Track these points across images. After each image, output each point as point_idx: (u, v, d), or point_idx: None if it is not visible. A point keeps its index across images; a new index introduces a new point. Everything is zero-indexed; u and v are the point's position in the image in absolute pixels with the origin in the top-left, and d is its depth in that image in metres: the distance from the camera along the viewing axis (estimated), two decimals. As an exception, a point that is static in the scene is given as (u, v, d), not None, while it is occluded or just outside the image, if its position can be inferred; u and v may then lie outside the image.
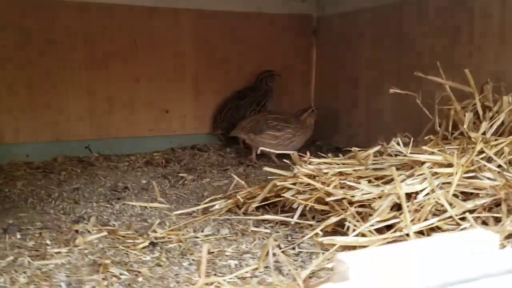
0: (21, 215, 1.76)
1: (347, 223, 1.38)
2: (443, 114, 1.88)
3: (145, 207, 1.88)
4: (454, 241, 0.76)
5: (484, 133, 1.63)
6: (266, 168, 1.78)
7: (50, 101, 2.57)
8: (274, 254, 1.27)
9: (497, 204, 1.41)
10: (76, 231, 1.58)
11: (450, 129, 1.77)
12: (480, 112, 1.73)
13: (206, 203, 1.82)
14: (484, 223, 1.39)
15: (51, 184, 2.17)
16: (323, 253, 1.34)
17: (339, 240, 1.33)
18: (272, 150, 2.33)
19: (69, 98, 2.62)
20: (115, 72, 2.70)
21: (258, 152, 2.14)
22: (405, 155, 1.59)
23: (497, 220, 1.39)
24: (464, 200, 1.43)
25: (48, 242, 1.49)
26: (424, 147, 1.52)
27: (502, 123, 1.64)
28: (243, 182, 1.84)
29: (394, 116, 2.56)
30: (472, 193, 1.44)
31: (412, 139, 1.87)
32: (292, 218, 1.64)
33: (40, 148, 2.56)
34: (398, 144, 1.58)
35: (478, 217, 1.39)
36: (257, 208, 1.79)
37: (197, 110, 2.94)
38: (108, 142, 2.74)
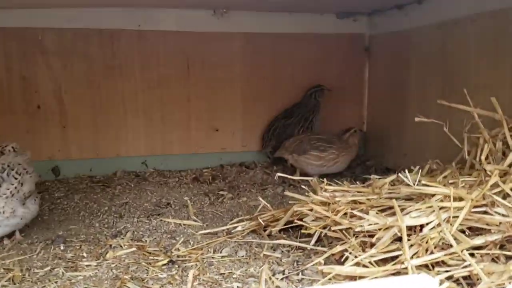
0: (70, 227, 1.99)
1: (346, 253, 1.41)
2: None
3: (179, 224, 2.03)
4: (385, 286, 0.79)
5: (510, 165, 1.57)
6: (286, 193, 1.85)
7: (111, 120, 2.84)
8: (269, 280, 1.34)
9: (511, 241, 1.36)
10: (110, 245, 1.76)
11: (478, 158, 1.72)
12: (510, 142, 1.66)
13: (233, 223, 1.94)
14: (494, 260, 1.35)
15: (105, 198, 2.40)
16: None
17: (337, 269, 1.37)
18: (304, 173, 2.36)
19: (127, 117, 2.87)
20: (169, 93, 2.91)
21: (275, 178, 2.20)
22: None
23: (509, 258, 1.35)
24: (476, 236, 1.40)
25: (84, 254, 1.69)
26: (425, 180, 1.50)
27: (531, 155, 1.57)
28: (268, 205, 1.93)
29: (439, 138, 2.49)
30: (484, 229, 1.40)
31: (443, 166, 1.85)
32: (310, 243, 1.70)
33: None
34: (406, 176, 1.57)
35: (488, 254, 1.35)
36: (283, 230, 1.86)
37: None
38: (162, 158, 2.95)
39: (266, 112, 3.08)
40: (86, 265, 1.58)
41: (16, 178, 1.80)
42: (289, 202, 1.88)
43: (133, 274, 1.53)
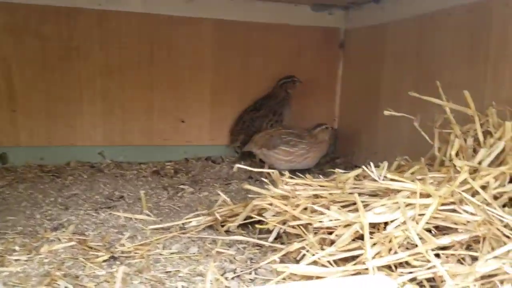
0: (8, 218, 1.81)
1: (303, 251, 1.28)
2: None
3: (130, 218, 1.87)
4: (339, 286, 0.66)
5: (480, 162, 1.47)
6: (246, 186, 1.72)
7: (66, 106, 2.65)
8: (216, 280, 1.20)
9: (478, 241, 1.26)
10: (47, 238, 1.59)
11: (448, 154, 1.61)
12: (481, 138, 1.56)
13: (188, 218, 1.79)
14: (460, 261, 1.24)
15: (52, 189, 2.23)
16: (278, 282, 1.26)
17: (292, 268, 1.24)
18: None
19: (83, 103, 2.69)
20: (130, 79, 2.74)
21: (235, 169, 2.07)
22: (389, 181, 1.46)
23: (475, 259, 1.24)
24: (443, 235, 1.29)
25: (16, 248, 1.51)
26: (392, 175, 1.39)
27: (503, 151, 1.47)
28: (228, 199, 1.79)
29: (411, 136, 2.40)
30: (451, 228, 1.29)
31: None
32: (268, 240, 1.57)
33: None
34: (371, 170, 1.46)
35: (454, 254, 1.24)
36: (243, 226, 1.73)
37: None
38: (123, 149, 2.78)
39: (236, 104, 2.94)
40: (15, 260, 1.41)
41: None
42: (250, 196, 1.75)
43: (67, 270, 1.37)
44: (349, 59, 3.08)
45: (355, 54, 3.02)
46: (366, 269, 1.22)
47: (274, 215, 1.57)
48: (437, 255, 1.24)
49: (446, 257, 1.21)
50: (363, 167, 1.54)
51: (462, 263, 1.22)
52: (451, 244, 1.25)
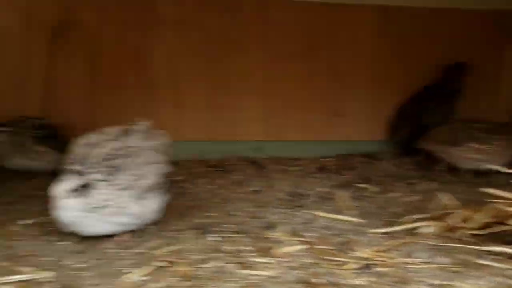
0: (209, 215, 1.71)
1: None
2: None
3: (332, 219, 1.71)
4: None
5: None
6: (488, 190, 1.48)
7: (226, 100, 2.56)
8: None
9: None
10: (267, 238, 1.46)
11: None
12: None
13: (409, 223, 1.59)
14: None
15: (230, 184, 2.12)
16: None
17: None
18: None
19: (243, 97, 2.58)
20: (290, 71, 2.60)
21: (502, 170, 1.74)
22: None
23: None
24: None
25: (243, 248, 1.39)
26: None
27: None
28: (457, 202, 1.57)
29: None
30: None
31: None
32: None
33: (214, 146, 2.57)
34: None
35: None
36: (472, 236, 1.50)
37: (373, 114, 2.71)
38: (277, 144, 2.64)
39: (397, 95, 2.69)
40: (259, 262, 1.29)
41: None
42: (487, 200, 1.50)
43: (323, 278, 1.21)
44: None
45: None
46: None
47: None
48: None
49: None
50: None
51: None
52: None
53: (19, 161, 2.11)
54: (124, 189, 1.39)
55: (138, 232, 1.48)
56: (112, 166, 1.40)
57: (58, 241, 1.43)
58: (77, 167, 1.37)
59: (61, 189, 1.32)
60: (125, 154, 1.46)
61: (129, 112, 2.40)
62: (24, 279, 1.17)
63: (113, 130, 1.54)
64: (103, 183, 1.36)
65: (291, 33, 2.58)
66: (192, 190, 2.03)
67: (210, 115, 2.55)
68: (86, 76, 2.43)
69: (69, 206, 1.32)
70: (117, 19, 2.42)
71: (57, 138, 2.17)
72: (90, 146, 1.44)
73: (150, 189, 1.47)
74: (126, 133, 1.56)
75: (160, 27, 2.45)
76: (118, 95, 2.45)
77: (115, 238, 1.42)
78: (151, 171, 1.50)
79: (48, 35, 2.37)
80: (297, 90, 2.63)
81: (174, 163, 2.40)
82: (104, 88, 2.44)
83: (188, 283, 1.15)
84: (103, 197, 1.35)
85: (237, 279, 1.18)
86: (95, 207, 1.34)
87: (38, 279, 1.18)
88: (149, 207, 1.46)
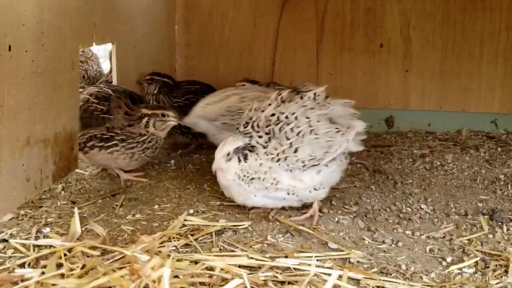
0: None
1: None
2: None
3: None
4: None
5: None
6: None
7: (462, 66, 2.32)
8: None
9: None
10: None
11: None
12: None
13: None
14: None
15: (475, 164, 1.93)
16: None
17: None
18: None
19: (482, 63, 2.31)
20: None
21: None
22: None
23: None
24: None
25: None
26: None
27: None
28: None
29: None
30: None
31: None
32: None
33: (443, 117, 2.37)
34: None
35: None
36: None
37: None
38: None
39: None
40: None
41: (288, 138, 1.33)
42: None
43: None
44: None
45: None
46: None
47: None
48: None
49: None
50: None
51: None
52: None
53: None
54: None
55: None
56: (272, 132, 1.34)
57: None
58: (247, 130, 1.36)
59: (226, 149, 1.33)
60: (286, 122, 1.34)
61: (351, 77, 2.36)
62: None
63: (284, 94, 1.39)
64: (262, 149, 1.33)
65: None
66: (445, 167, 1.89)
67: (442, 83, 2.34)
68: (312, 40, 2.39)
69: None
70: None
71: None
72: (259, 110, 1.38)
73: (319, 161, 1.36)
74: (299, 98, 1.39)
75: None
76: (341, 59, 2.38)
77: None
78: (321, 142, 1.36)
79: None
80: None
81: (393, 133, 2.31)
82: (329, 52, 2.39)
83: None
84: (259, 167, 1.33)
85: None
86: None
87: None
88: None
